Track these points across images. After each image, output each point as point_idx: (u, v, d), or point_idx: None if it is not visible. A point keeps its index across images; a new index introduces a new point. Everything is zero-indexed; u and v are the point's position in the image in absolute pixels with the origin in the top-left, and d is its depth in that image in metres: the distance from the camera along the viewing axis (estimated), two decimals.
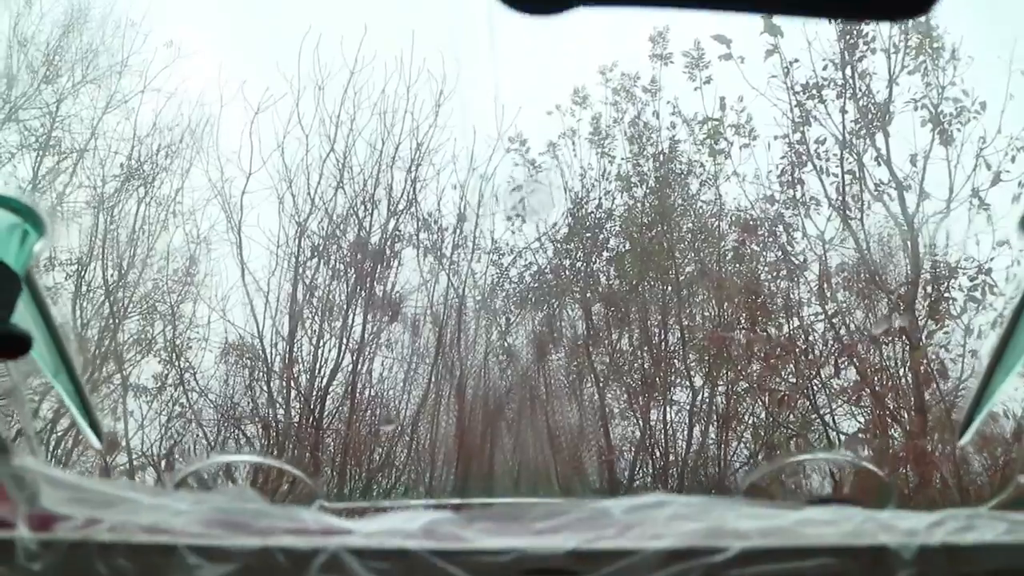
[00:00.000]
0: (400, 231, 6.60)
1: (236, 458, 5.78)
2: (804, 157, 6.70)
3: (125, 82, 6.40)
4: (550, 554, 0.51)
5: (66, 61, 6.35)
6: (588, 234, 6.77)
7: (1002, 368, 0.81)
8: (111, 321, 6.45)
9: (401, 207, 6.57)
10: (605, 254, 6.79)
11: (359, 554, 0.51)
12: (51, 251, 5.95)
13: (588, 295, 6.74)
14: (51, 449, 5.84)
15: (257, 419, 6.61)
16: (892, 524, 0.57)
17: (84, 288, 6.43)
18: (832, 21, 6.60)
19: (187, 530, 0.54)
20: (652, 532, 0.53)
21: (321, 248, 6.53)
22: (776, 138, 6.73)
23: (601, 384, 6.58)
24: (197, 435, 6.63)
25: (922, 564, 0.50)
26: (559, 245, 6.79)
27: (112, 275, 6.51)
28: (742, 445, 6.34)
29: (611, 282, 6.78)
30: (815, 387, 6.17)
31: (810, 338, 6.19)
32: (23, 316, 0.72)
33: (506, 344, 6.62)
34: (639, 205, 6.75)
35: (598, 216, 6.74)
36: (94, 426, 1.00)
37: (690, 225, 6.84)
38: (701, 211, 6.82)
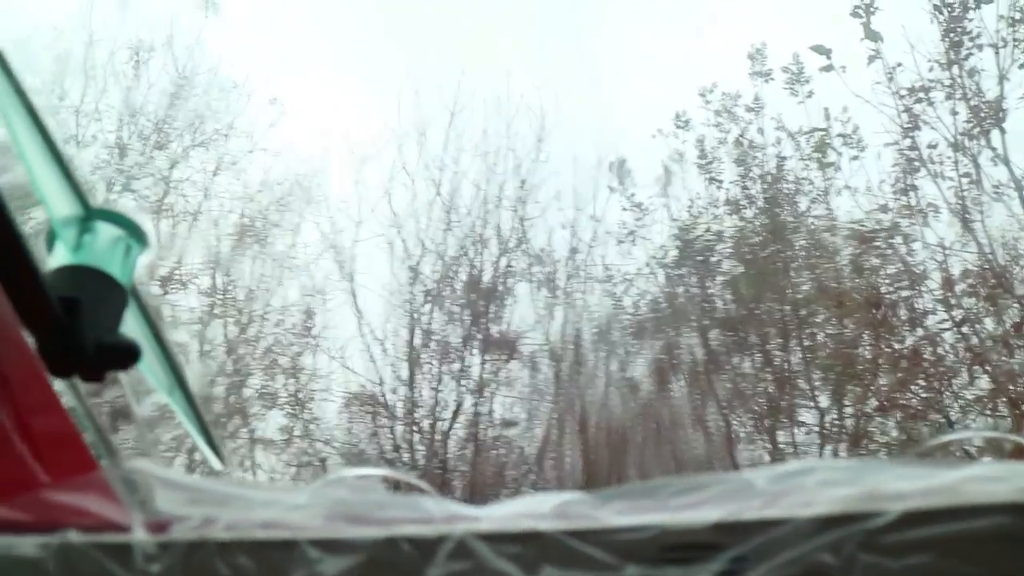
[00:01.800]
0: (512, 267, 7.81)
1: (364, 471, 7.03)
2: (916, 163, 7.74)
3: (233, 143, 7.71)
4: (693, 528, 0.54)
5: (175, 128, 7.68)
6: (699, 258, 7.90)
7: None
8: (235, 377, 7.75)
9: (511, 244, 7.78)
10: (719, 278, 7.90)
11: (488, 539, 0.55)
12: (153, 270, 7.26)
13: (705, 321, 7.87)
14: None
15: (382, 463, 7.86)
16: None
17: (207, 346, 7.74)
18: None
19: (307, 524, 0.59)
20: (802, 500, 0.54)
21: (435, 291, 7.76)
22: (886, 146, 7.79)
23: (724, 410, 7.68)
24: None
25: None
26: (670, 271, 7.93)
27: (233, 332, 7.81)
28: None
29: (727, 306, 7.89)
30: (947, 399, 7.20)
31: (939, 349, 7.22)
32: (131, 330, 0.81)
33: (626, 375, 7.77)
34: (749, 225, 7.85)
35: (708, 240, 7.86)
36: (214, 447, 1.08)
37: (803, 242, 7.91)
38: (813, 227, 7.89)
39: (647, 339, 7.84)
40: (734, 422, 7.67)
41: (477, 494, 7.77)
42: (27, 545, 0.58)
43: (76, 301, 0.75)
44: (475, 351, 7.81)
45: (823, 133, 7.80)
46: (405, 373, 7.79)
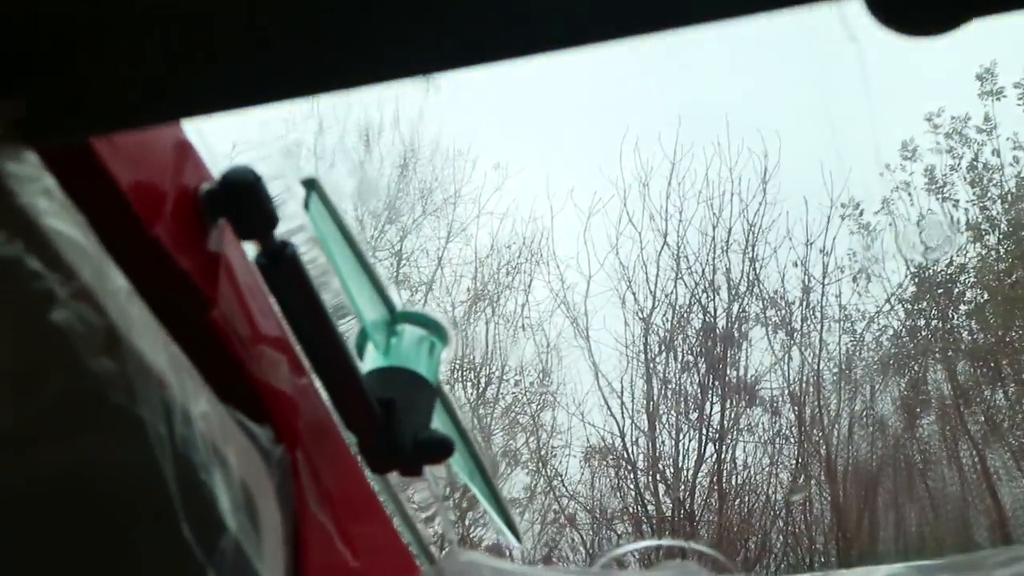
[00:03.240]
0: (746, 312, 8.89)
1: (647, 544, 8.18)
2: None
3: (461, 210, 9.12)
4: None
5: (406, 201, 9.17)
6: (940, 290, 8.76)
7: None
8: (477, 437, 9.12)
9: (742, 288, 8.86)
10: (963, 307, 8.75)
11: None
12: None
13: (950, 353, 8.72)
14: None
15: (627, 517, 9.05)
16: None
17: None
18: None
19: None
20: None
21: (669, 340, 8.92)
22: None
23: (979, 445, 8.49)
24: (572, 539, 9.17)
25: None
26: (910, 306, 8.82)
27: (471, 394, 9.19)
28: None
29: (974, 336, 8.72)
30: None
31: None
32: (436, 422, 0.97)
33: (872, 413, 8.70)
34: (993, 253, 8.67)
35: (950, 271, 8.72)
36: (510, 526, 1.24)
37: None
38: None
39: (891, 376, 8.74)
40: (991, 457, 8.46)
41: (724, 541, 8.83)
42: None
43: (392, 401, 0.91)
44: (715, 398, 8.91)
45: None
46: (644, 424, 8.96)
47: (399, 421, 0.91)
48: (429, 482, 1.07)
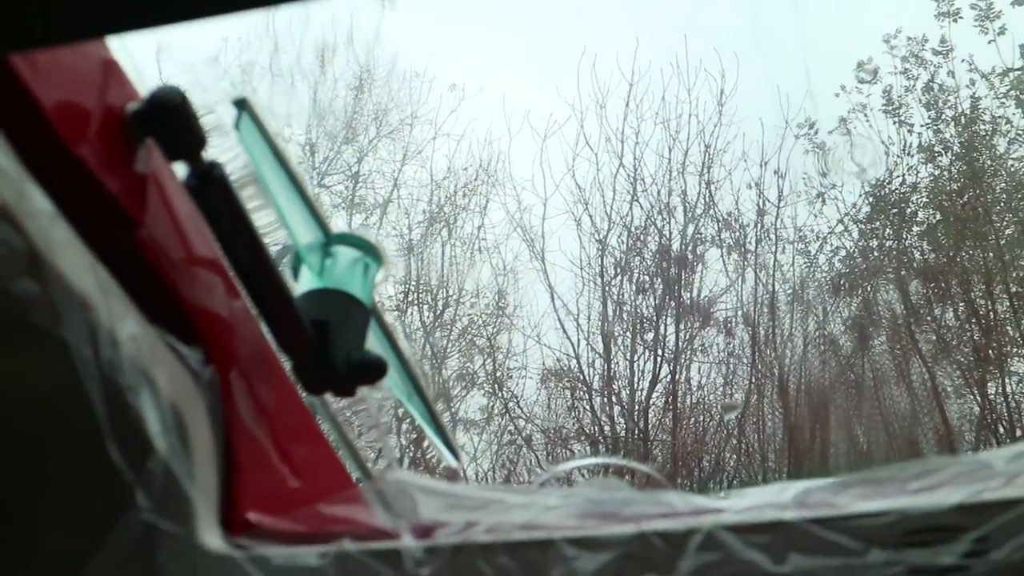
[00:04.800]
0: (700, 234, 8.95)
1: (588, 461, 8.35)
2: None
3: (417, 132, 9.04)
4: (935, 511, 0.61)
5: (361, 123, 9.06)
6: (894, 210, 8.87)
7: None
8: (433, 361, 9.17)
9: (698, 211, 8.91)
10: (915, 228, 8.87)
11: (735, 530, 0.65)
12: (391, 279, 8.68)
13: (903, 273, 8.87)
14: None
15: (584, 437, 9.20)
16: None
17: (404, 332, 9.18)
18: None
19: (562, 524, 0.70)
20: None
21: (625, 263, 8.98)
22: None
23: (929, 363, 8.70)
24: (529, 460, 9.31)
25: None
26: (863, 226, 8.93)
27: (428, 317, 9.22)
28: None
29: (926, 256, 8.87)
30: None
31: None
32: (372, 344, 0.99)
33: (824, 334, 8.86)
34: (946, 173, 8.77)
35: (902, 191, 8.82)
36: (450, 446, 1.28)
37: (1004, 185, 8.80)
38: (1014, 168, 8.76)
39: (844, 297, 8.89)
40: (940, 375, 8.68)
41: (679, 463, 9.02)
42: (308, 555, 0.71)
43: (326, 323, 0.92)
44: (669, 320, 9.01)
45: (1019, 73, 8.62)
46: (600, 346, 9.06)
47: (332, 342, 0.92)
48: (368, 403, 1.08)
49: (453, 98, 9.01)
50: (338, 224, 9.94)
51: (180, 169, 0.82)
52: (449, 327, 9.28)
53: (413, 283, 9.20)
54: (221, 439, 0.80)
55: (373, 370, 0.96)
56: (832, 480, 0.72)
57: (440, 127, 9.03)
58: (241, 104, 0.90)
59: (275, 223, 0.91)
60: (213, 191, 0.81)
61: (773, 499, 0.71)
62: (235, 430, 0.82)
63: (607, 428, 9.12)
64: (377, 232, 9.20)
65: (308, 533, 0.76)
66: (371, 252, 1.02)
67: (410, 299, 9.19)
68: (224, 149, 0.87)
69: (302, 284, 0.97)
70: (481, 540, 0.70)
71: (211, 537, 0.75)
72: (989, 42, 8.74)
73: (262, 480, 0.86)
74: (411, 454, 8.44)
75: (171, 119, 0.76)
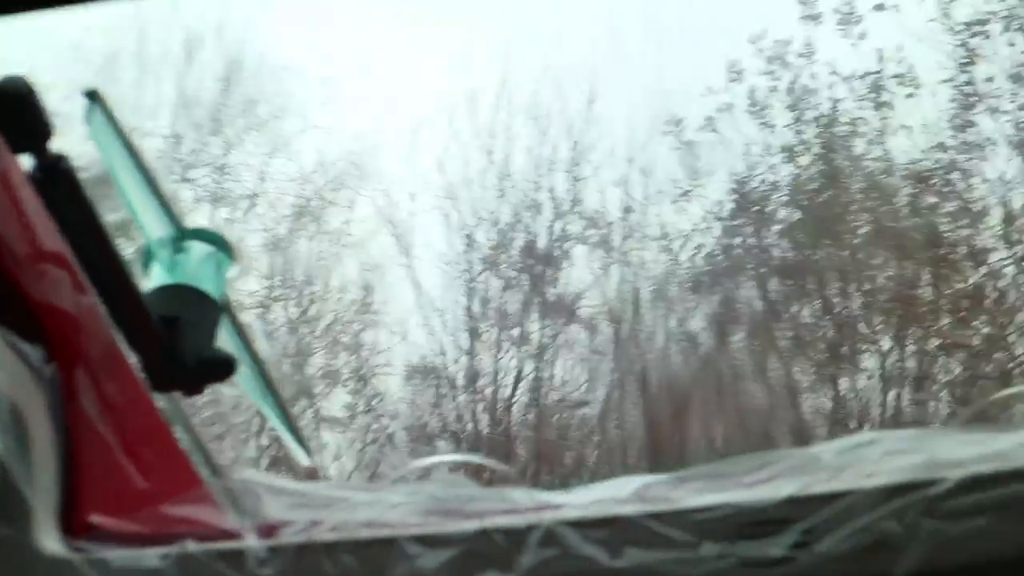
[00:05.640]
0: (567, 231, 9.04)
1: (441, 458, 8.35)
2: (973, 98, 8.76)
3: (286, 124, 9.06)
4: (765, 504, 0.64)
5: (228, 115, 9.06)
6: (756, 207, 9.03)
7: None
8: (298, 357, 9.14)
9: (565, 207, 9.01)
10: (775, 227, 9.03)
11: (574, 525, 0.66)
12: (243, 278, 8.65)
13: (763, 270, 9.01)
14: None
15: (447, 435, 9.19)
16: None
17: (269, 328, 9.13)
18: None
19: (405, 521, 0.71)
20: (866, 471, 0.65)
21: (491, 259, 9.04)
22: (942, 82, 8.80)
23: (786, 359, 8.83)
24: (392, 460, 9.28)
25: None
26: (726, 223, 9.08)
27: (293, 312, 9.20)
28: (940, 405, 8.49)
29: (785, 254, 9.02)
30: (1012, 335, 8.24)
31: (999, 284, 8.27)
32: (224, 341, 0.99)
33: (685, 330, 8.96)
34: (805, 172, 8.95)
35: (763, 189, 8.99)
36: (302, 444, 1.28)
37: (861, 185, 8.99)
38: (870, 169, 8.96)
39: (705, 293, 9.01)
40: (796, 371, 8.81)
41: (542, 459, 9.05)
42: (150, 557, 0.70)
43: (175, 319, 0.91)
44: (534, 317, 9.07)
45: (876, 76, 8.84)
46: (465, 343, 9.09)
47: (182, 339, 0.92)
48: (220, 401, 1.08)
49: (324, 92, 9.07)
50: (201, 218, 9.94)
51: (26, 161, 0.81)
52: (314, 324, 9.26)
53: (279, 278, 9.18)
54: (63, 439, 0.79)
55: (223, 368, 0.96)
56: (672, 475, 0.74)
57: (310, 120, 9.06)
58: (92, 96, 0.89)
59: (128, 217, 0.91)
60: (60, 184, 0.80)
61: (614, 494, 0.73)
62: (79, 430, 0.81)
63: (470, 426, 9.13)
64: (243, 226, 9.19)
65: (151, 535, 0.75)
66: (224, 248, 1.01)
67: (275, 295, 9.16)
68: (75, 142, 0.87)
69: (153, 279, 0.96)
70: (325, 539, 0.70)
71: (48, 540, 0.73)
72: (852, 45, 8.96)
73: (107, 481, 0.84)
74: (273, 453, 8.39)
75: (16, 110, 0.75)
